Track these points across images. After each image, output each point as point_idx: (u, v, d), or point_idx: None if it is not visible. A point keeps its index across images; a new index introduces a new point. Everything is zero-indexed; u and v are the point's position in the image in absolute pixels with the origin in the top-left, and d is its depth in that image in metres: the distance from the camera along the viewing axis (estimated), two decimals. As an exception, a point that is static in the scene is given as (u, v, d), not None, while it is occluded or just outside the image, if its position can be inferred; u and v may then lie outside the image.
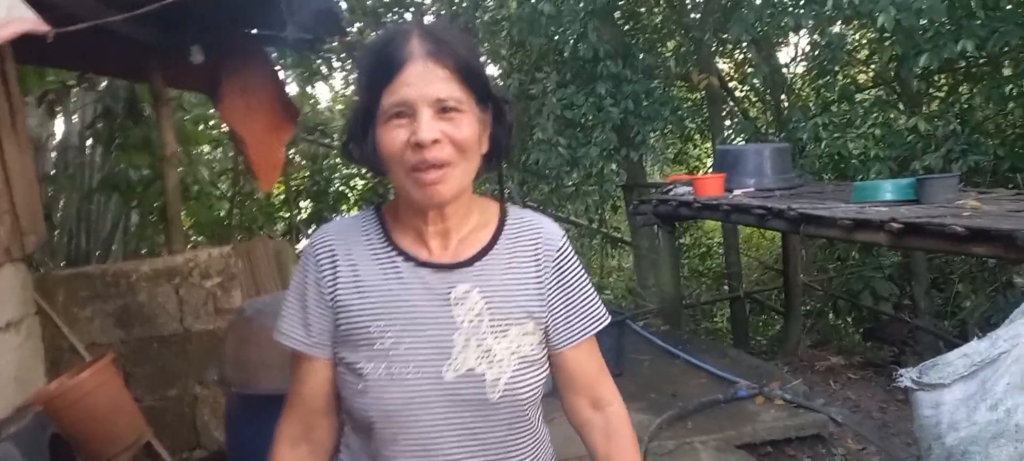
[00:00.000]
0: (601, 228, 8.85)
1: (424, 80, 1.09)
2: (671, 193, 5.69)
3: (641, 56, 7.20)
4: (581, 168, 6.69)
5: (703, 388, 4.57)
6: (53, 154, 7.61)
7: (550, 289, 1.23)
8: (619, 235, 9.39)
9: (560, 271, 1.24)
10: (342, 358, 1.20)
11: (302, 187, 9.75)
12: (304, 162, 10.16)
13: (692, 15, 7.87)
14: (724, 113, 8.35)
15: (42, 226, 3.55)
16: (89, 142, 7.51)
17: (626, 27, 7.86)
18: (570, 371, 1.30)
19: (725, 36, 7.36)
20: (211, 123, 9.05)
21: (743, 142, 7.22)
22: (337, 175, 9.88)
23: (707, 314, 9.01)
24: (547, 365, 1.27)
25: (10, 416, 2.95)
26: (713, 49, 7.64)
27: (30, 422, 2.85)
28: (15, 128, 3.29)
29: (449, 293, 1.17)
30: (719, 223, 7.99)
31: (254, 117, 5.45)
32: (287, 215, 9.42)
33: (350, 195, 9.74)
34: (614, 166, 6.83)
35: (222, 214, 8.60)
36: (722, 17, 7.06)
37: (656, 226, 6.05)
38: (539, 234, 1.25)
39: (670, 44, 8.28)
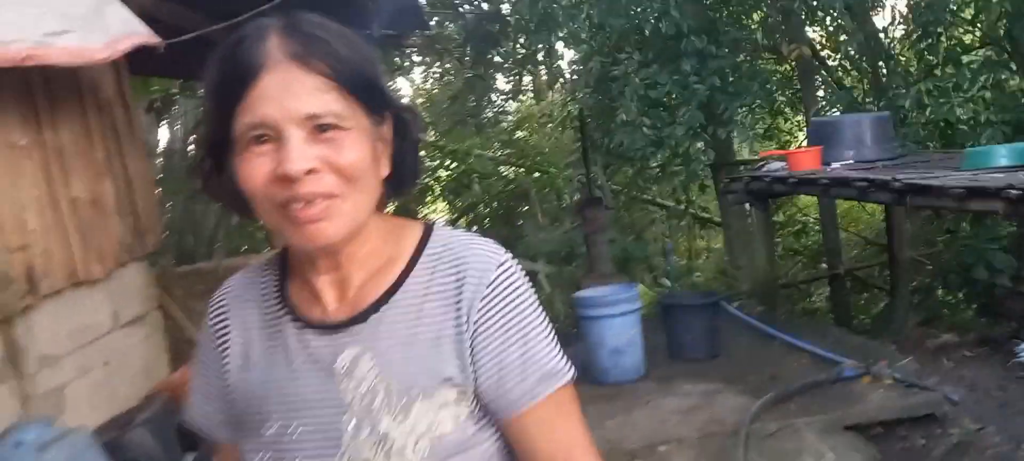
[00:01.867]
0: (689, 209, 8.67)
1: (288, 92, 0.82)
2: (763, 169, 5.51)
3: (726, 30, 6.98)
4: (666, 148, 6.56)
5: (804, 369, 4.41)
6: (160, 159, 8.09)
7: (477, 338, 0.90)
8: (708, 216, 9.18)
9: (491, 312, 0.90)
10: (240, 446, 0.99)
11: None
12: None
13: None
14: (817, 84, 8.01)
15: (160, 226, 3.78)
16: (191, 147, 7.94)
17: (709, 1, 7.64)
18: (522, 448, 0.94)
19: (815, 4, 7.05)
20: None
21: (839, 113, 6.90)
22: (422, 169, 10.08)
23: (804, 294, 8.69)
24: (493, 448, 0.94)
25: (140, 404, 3.16)
26: (803, 18, 7.33)
27: (159, 409, 3.04)
28: (133, 135, 3.51)
29: (334, 362, 0.91)
30: (815, 199, 7.68)
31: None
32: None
33: (435, 187, 9.90)
34: (701, 145, 6.67)
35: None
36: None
37: (748, 204, 5.88)
38: (464, 264, 0.91)
39: (756, 16, 7.99)
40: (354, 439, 0.90)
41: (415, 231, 0.96)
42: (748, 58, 7.05)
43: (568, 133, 8.99)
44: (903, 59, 7.33)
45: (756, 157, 7.01)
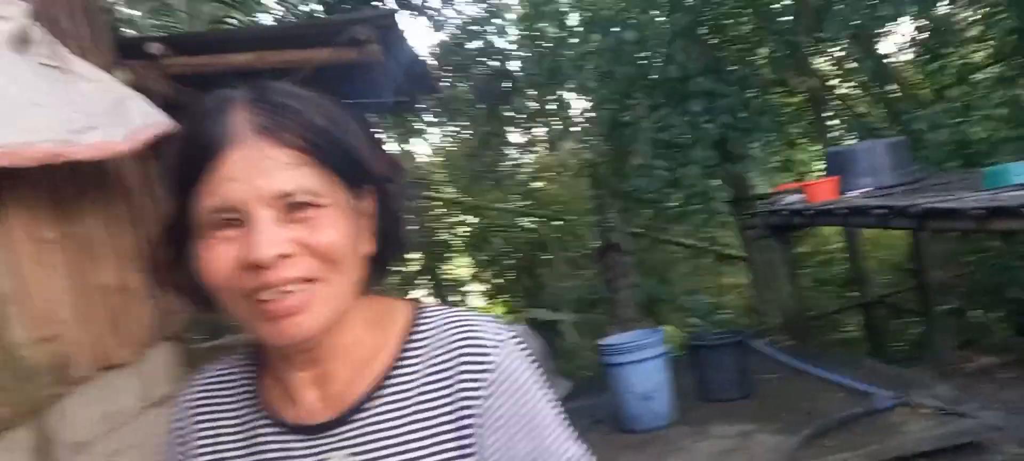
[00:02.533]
0: (710, 247, 8.63)
1: (257, 169, 0.74)
2: (781, 203, 5.49)
3: (733, 68, 7.05)
4: (682, 188, 6.58)
5: (840, 403, 4.32)
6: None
7: (479, 434, 0.80)
8: (731, 252, 9.13)
9: (495, 402, 0.80)
10: None
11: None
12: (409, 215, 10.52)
13: (782, 19, 7.64)
14: (829, 114, 8.01)
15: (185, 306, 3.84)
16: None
17: (713, 41, 7.73)
18: None
19: (821, 35, 7.10)
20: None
21: (854, 141, 6.89)
22: (442, 224, 10.17)
23: (835, 325, 8.54)
24: None
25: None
26: (809, 50, 7.37)
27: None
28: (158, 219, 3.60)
29: None
30: (838, 229, 7.61)
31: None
32: (399, 268, 9.76)
33: (457, 243, 9.98)
34: (717, 182, 6.67)
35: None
36: (815, 16, 6.81)
37: (769, 238, 5.85)
38: (460, 348, 0.81)
39: (762, 51, 8.06)
40: None
41: (403, 314, 0.85)
42: (758, 93, 7.09)
43: (583, 182, 9.06)
44: (914, 82, 7.32)
45: (774, 191, 6.99)
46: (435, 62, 8.30)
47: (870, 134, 6.89)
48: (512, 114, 8.99)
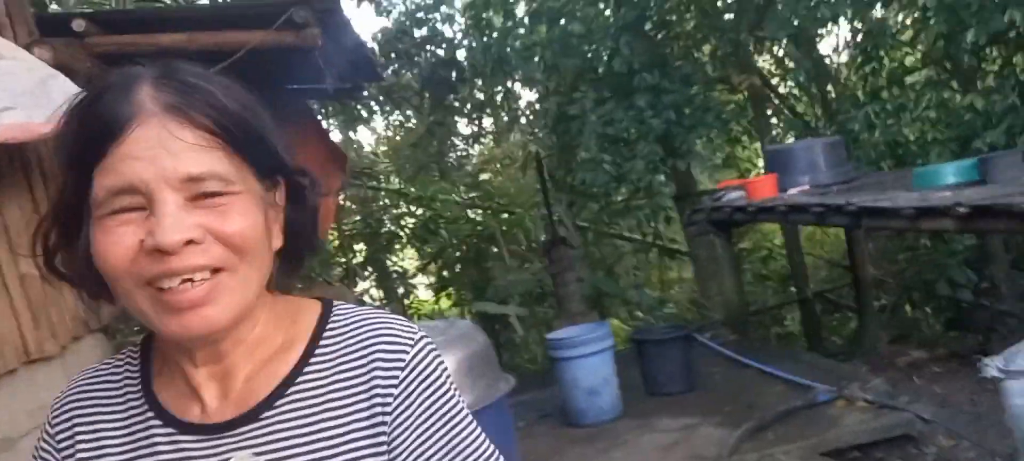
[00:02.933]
0: (656, 241, 8.73)
1: (163, 149, 0.69)
2: (723, 199, 5.58)
3: (677, 64, 7.13)
4: (628, 183, 6.62)
5: (780, 396, 4.42)
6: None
7: (394, 434, 0.78)
8: (676, 247, 9.27)
9: (410, 401, 0.78)
10: None
11: (355, 231, 9.91)
12: (354, 206, 10.33)
13: (726, 16, 7.77)
14: (770, 112, 8.19)
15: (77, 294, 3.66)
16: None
17: (659, 37, 7.80)
18: None
19: (762, 34, 7.24)
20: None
21: (793, 140, 7.06)
22: (387, 216, 10.02)
23: (776, 319, 8.77)
24: None
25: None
26: (751, 48, 7.52)
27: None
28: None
29: None
30: (778, 225, 7.80)
31: (305, 165, 5.58)
32: (343, 260, 9.57)
33: (403, 235, 9.84)
34: (662, 177, 6.75)
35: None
36: (757, 15, 6.94)
37: (712, 234, 5.94)
38: (373, 347, 0.79)
39: (706, 48, 8.19)
40: None
41: (312, 311, 0.83)
42: (701, 90, 7.19)
43: (531, 174, 9.06)
44: (851, 83, 7.55)
45: (716, 187, 7.11)
46: (379, 49, 8.15)
47: (808, 133, 7.08)
48: (459, 104, 8.91)
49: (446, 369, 0.83)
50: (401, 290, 10.13)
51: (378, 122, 10.65)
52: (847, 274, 7.81)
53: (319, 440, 0.77)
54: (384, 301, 9.59)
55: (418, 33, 8.45)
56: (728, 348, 5.38)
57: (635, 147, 6.54)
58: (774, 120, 8.07)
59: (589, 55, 6.70)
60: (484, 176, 10.28)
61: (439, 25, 8.43)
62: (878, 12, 5.99)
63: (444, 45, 8.48)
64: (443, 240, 9.20)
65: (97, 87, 0.74)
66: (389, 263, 10.07)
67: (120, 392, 0.83)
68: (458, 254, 9.40)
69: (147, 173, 0.69)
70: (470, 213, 9.49)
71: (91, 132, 0.71)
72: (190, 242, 0.69)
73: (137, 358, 0.85)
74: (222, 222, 0.71)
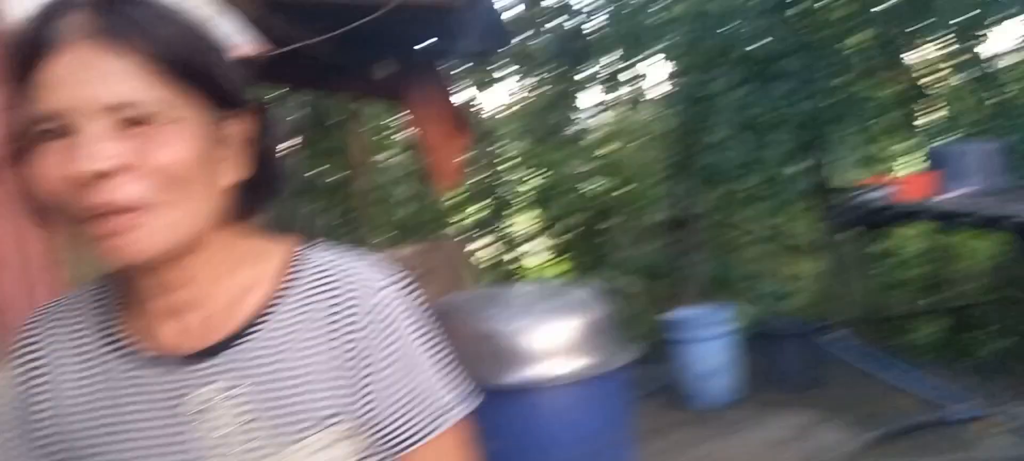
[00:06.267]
0: (781, 235, 8.36)
1: (86, 75, 0.68)
2: (864, 196, 5.26)
3: (824, 52, 6.73)
4: (758, 172, 6.35)
5: (908, 409, 4.16)
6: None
7: (361, 371, 0.78)
8: (803, 242, 8.85)
9: (376, 341, 0.79)
10: None
11: (472, 193, 10.07)
12: (473, 168, 10.51)
13: (878, 7, 7.25)
14: (923, 109, 7.61)
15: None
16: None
17: (803, 23, 7.40)
18: None
19: (917, 29, 6.71)
20: (391, 132, 9.59)
21: (955, 140, 6.54)
22: (505, 180, 10.11)
23: (913, 327, 8.19)
24: None
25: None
26: (908, 42, 6.99)
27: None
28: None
29: (179, 405, 0.77)
30: (923, 228, 7.28)
31: (433, 125, 5.71)
32: (459, 219, 9.78)
33: (520, 200, 9.92)
34: (795, 170, 6.43)
35: (401, 217, 9.10)
36: (913, 8, 6.43)
37: (848, 232, 5.63)
38: (342, 287, 0.79)
39: (857, 38, 7.68)
40: None
41: (280, 251, 0.83)
42: (847, 82, 6.77)
43: (656, 152, 8.84)
44: (1015, 89, 6.89)
45: (858, 183, 6.70)
46: (512, 14, 8.17)
47: (966, 135, 6.53)
48: (586, 75, 8.82)
49: (416, 311, 0.83)
50: (513, 255, 10.23)
51: (503, 87, 10.73)
52: (1000, 287, 7.19)
53: (283, 377, 0.77)
54: (496, 265, 9.73)
55: (549, 1, 8.39)
56: (855, 351, 5.11)
57: (769, 135, 6.26)
58: (928, 118, 7.50)
59: (729, 36, 6.44)
60: (606, 149, 10.16)
61: (572, -5, 8.34)
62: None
63: (577, 15, 8.39)
64: (561, 208, 9.19)
65: (33, 14, 0.71)
66: (503, 226, 10.19)
67: (79, 324, 0.83)
68: (575, 224, 9.37)
69: (66, 100, 0.67)
70: (590, 184, 9.42)
71: (21, 56, 0.70)
72: (116, 171, 0.67)
73: (97, 292, 0.84)
74: (152, 152, 0.69)
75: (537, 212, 9.67)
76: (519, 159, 9.82)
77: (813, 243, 7.87)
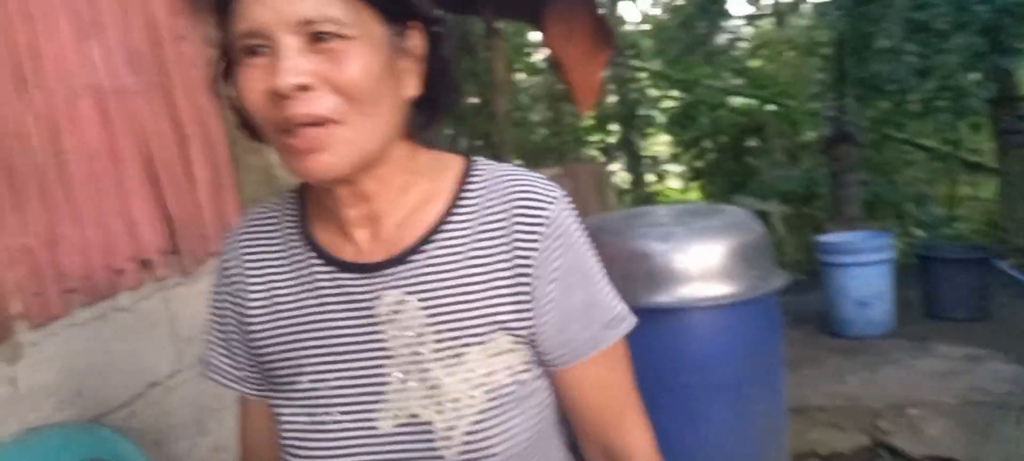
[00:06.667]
0: (954, 151, 7.63)
1: None
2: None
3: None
4: (934, 80, 5.76)
5: (1101, 344, 3.75)
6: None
7: (537, 281, 0.81)
8: (978, 159, 8.03)
9: (551, 253, 0.81)
10: (268, 399, 0.91)
11: (610, 112, 9.89)
12: (612, 85, 10.29)
13: None
14: None
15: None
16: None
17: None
18: (572, 401, 0.88)
19: None
20: (528, 51, 9.53)
21: None
22: (646, 99, 9.84)
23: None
24: (547, 397, 0.87)
25: None
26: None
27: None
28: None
29: (375, 307, 0.82)
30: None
31: (574, 41, 5.60)
32: (597, 139, 9.67)
33: (659, 118, 9.65)
34: (978, 76, 5.77)
35: (539, 138, 9.12)
36: None
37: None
38: (516, 201, 0.82)
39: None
40: (400, 390, 0.81)
41: (455, 165, 0.87)
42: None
43: (811, 62, 8.24)
44: None
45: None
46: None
47: None
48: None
49: (582, 228, 0.85)
50: (651, 176, 10.02)
51: (644, -1, 10.31)
52: None
53: (464, 284, 0.81)
54: (632, 188, 9.58)
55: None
56: (1033, 280, 4.65)
57: (949, 38, 5.63)
58: None
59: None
60: (755, 62, 9.59)
61: None
62: None
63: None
64: (702, 128, 8.85)
65: None
66: (641, 147, 9.97)
67: (281, 231, 0.89)
68: (717, 144, 9.01)
69: (266, 16, 0.71)
70: (733, 101, 8.97)
71: None
72: (304, 88, 0.71)
73: (294, 201, 0.91)
74: (336, 69, 0.72)
75: (676, 132, 9.37)
76: (659, 75, 9.49)
77: (989, 160, 7.12)
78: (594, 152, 9.76)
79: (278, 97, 0.72)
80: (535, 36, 8.61)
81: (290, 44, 0.71)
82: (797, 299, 4.78)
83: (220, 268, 0.94)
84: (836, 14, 6.03)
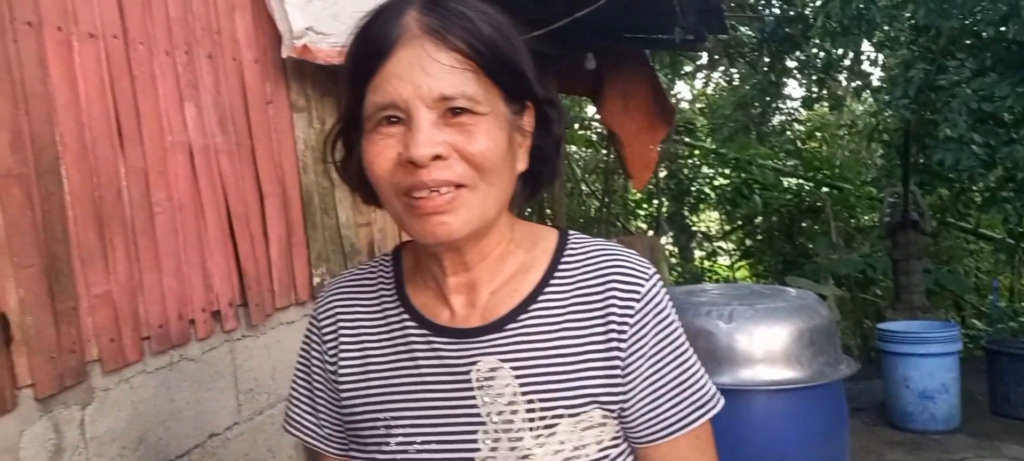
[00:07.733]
0: (1019, 243, 7.39)
1: (421, 69, 0.75)
2: None
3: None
4: (1000, 170, 5.63)
5: None
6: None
7: (628, 359, 0.83)
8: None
9: (644, 331, 0.83)
10: (354, 458, 0.92)
11: (662, 185, 9.88)
12: (664, 161, 10.30)
13: None
14: None
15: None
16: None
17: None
18: None
19: None
20: (583, 124, 9.65)
21: None
22: (698, 176, 9.81)
23: None
24: None
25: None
26: None
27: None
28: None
29: (469, 373, 0.83)
30: None
31: (632, 116, 5.65)
32: (648, 211, 9.64)
33: (711, 195, 9.59)
34: (1047, 169, 5.62)
35: (590, 209, 9.14)
36: None
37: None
38: (611, 276, 0.84)
39: None
40: (489, 456, 0.82)
41: (550, 236, 0.90)
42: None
43: (869, 147, 8.14)
44: None
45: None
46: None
47: None
48: (799, 64, 8.29)
49: (673, 306, 0.87)
50: (700, 253, 9.91)
51: (699, 78, 10.38)
52: None
53: (558, 354, 0.82)
54: (680, 262, 9.49)
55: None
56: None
57: (1017, 129, 5.52)
58: None
59: (973, 17, 5.74)
60: (810, 144, 9.52)
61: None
62: None
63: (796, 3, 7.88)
64: (755, 207, 8.76)
65: (372, 12, 0.80)
66: (691, 222, 9.90)
67: (375, 294, 0.92)
68: (769, 223, 8.90)
69: (406, 91, 0.76)
70: (786, 181, 8.88)
71: (364, 52, 0.79)
72: (438, 157, 0.75)
73: (390, 265, 0.94)
74: (468, 141, 0.76)
75: (726, 209, 9.29)
76: (714, 153, 9.48)
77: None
78: (642, 225, 9.72)
79: (411, 164, 0.76)
80: (589, 109, 8.73)
81: (427, 117, 0.76)
82: (852, 386, 4.62)
83: (311, 325, 0.96)
84: (901, 102, 5.97)
